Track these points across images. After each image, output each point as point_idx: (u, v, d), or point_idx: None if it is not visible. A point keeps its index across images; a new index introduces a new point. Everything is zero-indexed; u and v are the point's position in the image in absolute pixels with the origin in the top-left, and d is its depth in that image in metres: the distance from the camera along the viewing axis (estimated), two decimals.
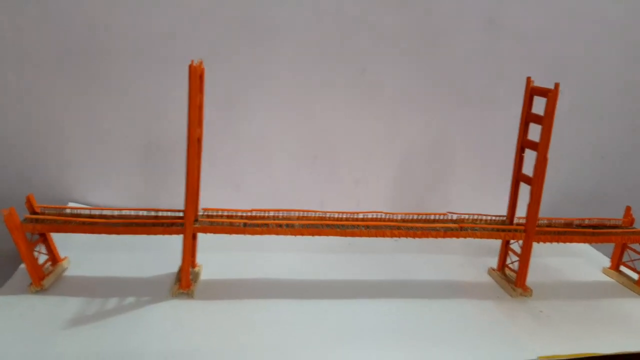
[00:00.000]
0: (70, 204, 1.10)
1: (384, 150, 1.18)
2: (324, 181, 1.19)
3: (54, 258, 0.89)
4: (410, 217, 0.91)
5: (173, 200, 1.07)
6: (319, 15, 1.05)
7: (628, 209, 1.01)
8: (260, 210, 0.88)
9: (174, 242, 0.87)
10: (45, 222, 0.81)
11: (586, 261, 1.10)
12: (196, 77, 0.74)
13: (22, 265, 0.87)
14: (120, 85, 1.05)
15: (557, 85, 0.82)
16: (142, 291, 0.85)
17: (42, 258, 0.85)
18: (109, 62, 1.03)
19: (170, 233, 0.83)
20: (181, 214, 0.84)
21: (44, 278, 0.83)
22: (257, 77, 1.08)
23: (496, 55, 1.14)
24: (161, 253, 0.95)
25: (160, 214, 0.86)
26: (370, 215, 0.90)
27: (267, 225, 0.85)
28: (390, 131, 1.17)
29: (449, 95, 1.15)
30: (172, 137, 1.11)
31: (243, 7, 1.03)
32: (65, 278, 0.88)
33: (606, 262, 1.08)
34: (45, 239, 0.86)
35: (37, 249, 0.84)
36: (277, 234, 0.85)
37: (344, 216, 0.89)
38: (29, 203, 0.83)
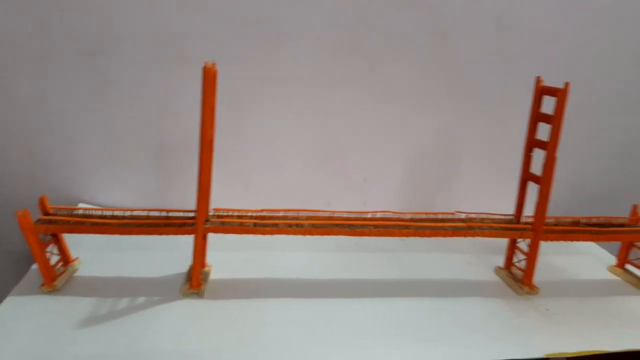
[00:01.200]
0: (80, 205, 1.10)
1: (392, 149, 1.18)
2: (331, 180, 1.19)
3: (65, 259, 0.89)
4: (419, 217, 0.91)
5: (181, 199, 1.08)
6: (329, 16, 1.05)
7: (635, 207, 1.02)
8: (270, 210, 0.89)
9: (183, 242, 0.87)
10: (58, 223, 0.82)
11: (592, 259, 1.11)
12: (210, 78, 0.74)
13: (35, 266, 0.89)
14: (129, 86, 1.06)
15: (567, 84, 0.82)
16: (153, 291, 0.86)
17: (54, 259, 0.86)
18: (118, 64, 1.04)
19: (182, 233, 0.83)
20: (192, 214, 0.85)
21: (56, 278, 0.84)
22: (266, 77, 1.08)
23: (504, 55, 1.14)
24: (170, 253, 0.97)
25: (171, 214, 0.86)
26: (378, 215, 0.90)
27: (277, 225, 0.86)
28: (399, 130, 1.17)
29: (457, 94, 1.16)
30: (179, 137, 1.11)
31: (253, 8, 1.03)
32: (76, 278, 0.88)
33: (612, 260, 1.09)
34: (57, 240, 0.87)
35: (49, 249, 0.85)
36: (287, 233, 0.85)
37: (353, 216, 0.89)
38: (42, 204, 0.83)
